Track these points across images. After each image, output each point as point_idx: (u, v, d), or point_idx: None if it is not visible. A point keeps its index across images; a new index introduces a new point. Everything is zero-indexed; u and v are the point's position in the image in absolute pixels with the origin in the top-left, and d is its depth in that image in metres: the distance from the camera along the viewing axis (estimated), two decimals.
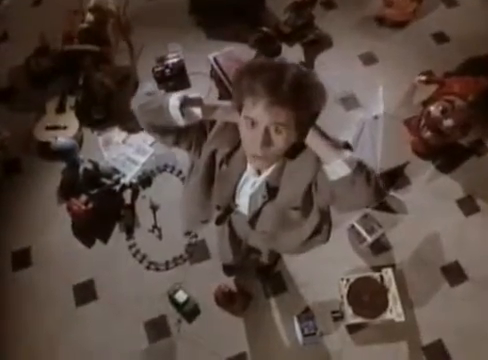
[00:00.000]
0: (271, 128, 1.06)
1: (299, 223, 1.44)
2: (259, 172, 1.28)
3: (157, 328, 2.37)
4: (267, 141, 1.07)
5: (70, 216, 2.63)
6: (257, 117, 1.05)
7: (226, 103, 1.16)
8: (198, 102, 1.16)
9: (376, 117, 2.71)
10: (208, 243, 2.57)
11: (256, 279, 2.47)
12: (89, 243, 2.63)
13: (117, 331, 2.37)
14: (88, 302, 2.47)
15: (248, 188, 1.33)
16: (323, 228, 1.57)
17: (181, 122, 1.16)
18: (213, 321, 2.36)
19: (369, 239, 2.50)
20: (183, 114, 1.14)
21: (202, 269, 2.51)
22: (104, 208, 2.67)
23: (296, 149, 1.20)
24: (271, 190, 1.28)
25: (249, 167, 1.28)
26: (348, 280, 2.39)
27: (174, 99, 1.14)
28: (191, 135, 1.28)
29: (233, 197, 1.40)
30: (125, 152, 2.89)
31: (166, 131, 1.23)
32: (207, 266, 2.52)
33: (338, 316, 2.35)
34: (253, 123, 1.07)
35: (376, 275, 2.39)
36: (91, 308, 2.45)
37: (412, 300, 2.41)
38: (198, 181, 1.42)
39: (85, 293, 2.49)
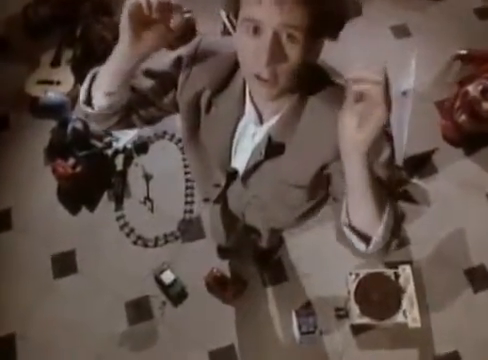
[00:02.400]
0: (282, 34, 0.75)
1: (299, 203, 1.12)
2: (261, 120, 0.96)
3: (139, 309, 2.11)
4: (277, 52, 0.76)
5: (55, 179, 2.36)
6: (263, 18, 0.74)
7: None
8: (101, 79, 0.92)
9: (405, 93, 2.36)
10: (204, 221, 2.28)
11: (253, 265, 2.17)
12: (74, 210, 2.36)
13: (95, 309, 2.12)
14: (67, 274, 2.21)
15: (248, 142, 1.00)
16: (323, 205, 1.27)
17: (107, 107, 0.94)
18: (201, 307, 2.09)
19: None
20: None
21: (194, 249, 2.23)
22: (93, 173, 2.39)
23: (316, 85, 0.90)
24: (274, 148, 0.95)
25: (249, 108, 0.95)
26: (357, 275, 2.08)
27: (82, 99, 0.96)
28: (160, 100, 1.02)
29: (230, 157, 1.06)
30: None
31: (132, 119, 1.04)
32: (200, 246, 2.23)
33: (342, 314, 2.05)
34: (256, 29, 0.76)
35: (390, 272, 2.08)
36: (69, 281, 2.20)
37: (428, 303, 2.09)
38: (186, 141, 1.12)
39: (64, 264, 2.23)
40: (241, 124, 0.98)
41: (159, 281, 2.11)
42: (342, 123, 0.73)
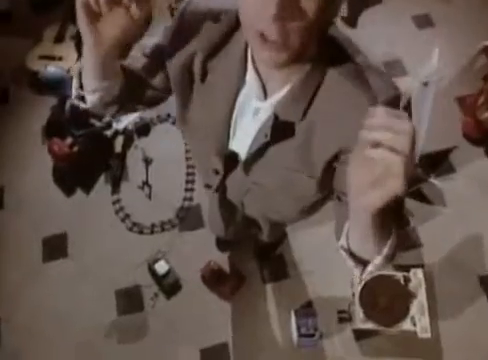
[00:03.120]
0: None
1: (307, 195, 0.95)
2: (265, 93, 0.79)
3: (129, 299, 1.97)
4: (288, 3, 0.59)
5: (51, 158, 2.23)
6: None
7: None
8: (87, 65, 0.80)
9: (426, 84, 2.18)
10: (204, 210, 2.13)
11: (253, 259, 2.02)
12: (69, 192, 2.23)
13: (84, 296, 1.99)
14: (56, 258, 2.08)
15: (249, 121, 0.84)
16: (327, 200, 1.11)
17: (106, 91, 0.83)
18: (195, 301, 1.94)
19: None
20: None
21: (192, 239, 2.08)
22: (90, 154, 2.26)
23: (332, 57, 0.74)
24: (281, 129, 0.79)
25: (250, 77, 0.78)
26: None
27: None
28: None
29: (228, 138, 0.89)
30: None
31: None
32: (199, 236, 2.08)
33: (345, 317, 1.89)
34: None
35: (399, 275, 1.91)
36: (59, 266, 2.07)
37: (438, 311, 1.93)
38: (180, 121, 0.97)
39: (55, 248, 2.11)
40: (240, 98, 0.81)
41: (152, 271, 1.97)
42: (352, 170, 0.58)
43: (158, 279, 1.96)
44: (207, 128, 0.91)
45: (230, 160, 0.94)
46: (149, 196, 2.18)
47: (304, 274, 2.00)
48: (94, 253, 2.07)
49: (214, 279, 1.94)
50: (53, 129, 2.34)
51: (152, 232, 2.10)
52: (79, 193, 2.23)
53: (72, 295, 1.99)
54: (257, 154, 0.86)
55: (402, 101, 0.79)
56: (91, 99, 0.85)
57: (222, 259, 2.01)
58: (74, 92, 0.87)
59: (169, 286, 1.94)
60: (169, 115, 2.39)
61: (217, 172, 1.06)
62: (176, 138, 2.32)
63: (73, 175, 2.25)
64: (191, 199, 2.16)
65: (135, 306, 1.95)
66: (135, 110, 0.99)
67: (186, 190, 2.18)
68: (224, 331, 1.88)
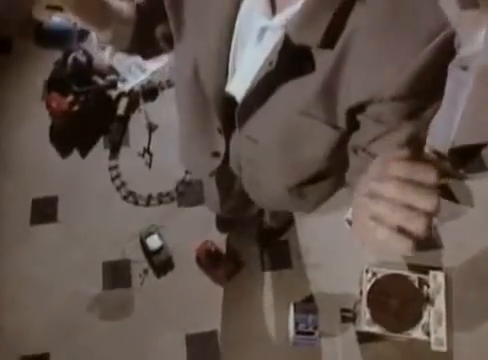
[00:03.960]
0: None
1: (317, 155, 0.74)
2: (274, 7, 0.58)
3: (117, 273, 1.80)
4: None
5: (49, 115, 2.05)
6: None
7: None
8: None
9: (465, 68, 1.92)
10: None
11: (255, 244, 1.83)
12: (64, 153, 2.06)
13: (69, 265, 1.82)
14: (45, 222, 1.92)
15: (252, 46, 0.62)
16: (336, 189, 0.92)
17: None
18: (186, 283, 1.76)
19: None
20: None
21: (190, 215, 1.90)
22: (91, 114, 2.07)
23: None
24: (294, 56, 0.57)
25: None
26: (374, 274, 1.72)
27: None
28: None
29: (226, 71, 0.68)
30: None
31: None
32: (198, 213, 1.89)
33: (349, 317, 1.70)
34: None
35: (414, 276, 1.70)
36: (46, 230, 1.91)
37: (453, 321, 1.71)
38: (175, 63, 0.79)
39: (44, 211, 1.94)
40: (242, 12, 0.60)
41: (144, 245, 1.80)
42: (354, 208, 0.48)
43: (149, 255, 1.78)
44: (202, 58, 0.69)
45: (229, 112, 0.72)
46: (149, 165, 2.00)
47: (309, 266, 1.80)
48: (84, 221, 1.90)
49: (209, 261, 1.75)
50: (55, 85, 2.15)
51: (148, 204, 1.92)
52: (75, 155, 2.05)
53: (57, 263, 1.83)
54: (257, 94, 0.64)
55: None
56: (112, 48, 0.78)
57: (221, 240, 1.82)
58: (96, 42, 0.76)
59: (160, 263, 1.77)
60: None
61: (216, 154, 0.87)
62: None
63: (71, 135, 2.07)
64: None
65: (122, 281, 1.79)
66: (161, 51, 0.82)
67: None
68: (214, 318, 1.70)
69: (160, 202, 1.91)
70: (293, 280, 1.78)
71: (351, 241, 1.80)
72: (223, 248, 1.81)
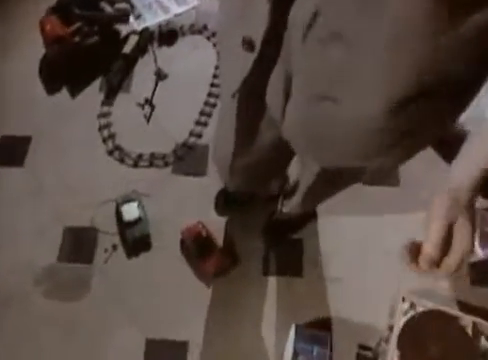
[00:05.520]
0: None
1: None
2: None
3: (78, 243, 1.38)
4: None
5: (42, 38, 1.66)
6: None
7: None
8: None
9: None
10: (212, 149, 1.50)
11: (259, 238, 1.37)
12: (52, 89, 1.66)
13: (23, 222, 1.42)
14: (8, 165, 1.53)
15: None
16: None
17: None
18: (162, 271, 1.33)
19: (479, 253, 1.30)
20: None
21: (185, 187, 1.46)
22: (93, 49, 1.66)
23: None
24: None
25: None
26: (413, 305, 1.23)
27: None
28: None
29: None
30: None
31: None
32: (194, 186, 1.46)
33: (369, 357, 1.23)
34: None
35: (467, 320, 1.21)
36: (8, 175, 1.51)
37: None
38: None
39: (11, 152, 1.55)
40: None
41: (118, 214, 1.37)
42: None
43: (122, 227, 1.36)
44: None
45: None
46: (148, 119, 1.57)
47: (325, 279, 1.33)
48: (55, 171, 1.50)
49: (197, 248, 1.31)
50: (59, 11, 1.76)
51: (136, 165, 1.49)
52: (63, 94, 1.65)
53: (10, 216, 1.43)
54: None
55: None
56: None
57: (216, 226, 1.38)
58: None
59: (134, 240, 1.34)
60: (205, 27, 1.76)
61: (250, 44, 0.52)
62: (206, 57, 1.70)
63: (63, 70, 1.67)
64: (200, 136, 1.53)
65: (82, 255, 1.36)
66: None
67: (197, 123, 1.55)
68: (189, 324, 1.26)
69: (151, 164, 1.48)
70: (301, 294, 1.31)
71: (387, 256, 1.33)
72: (218, 236, 1.36)
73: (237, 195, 1.29)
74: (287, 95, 0.57)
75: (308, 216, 1.34)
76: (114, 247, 1.35)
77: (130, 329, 1.25)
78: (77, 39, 1.66)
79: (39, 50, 1.71)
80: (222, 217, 1.41)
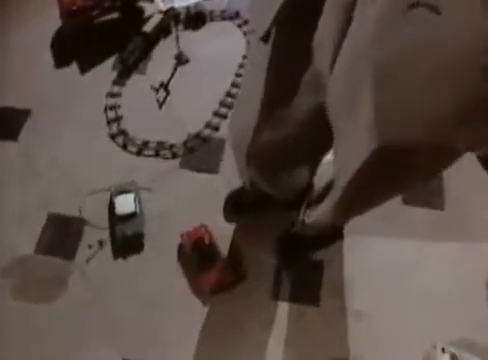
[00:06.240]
0: None
1: None
2: None
3: (61, 235, 1.18)
4: None
5: (59, 9, 1.50)
6: None
7: None
8: None
9: None
10: (227, 151, 1.29)
11: (272, 253, 1.14)
12: (61, 62, 1.50)
13: (8, 200, 1.24)
14: (3, 139, 1.36)
15: None
16: None
17: None
18: (152, 278, 1.10)
19: None
20: None
21: (192, 184, 1.24)
22: (112, 25, 1.50)
23: None
24: None
25: None
26: (453, 358, 0.98)
27: None
28: None
29: None
30: None
31: None
32: (203, 183, 1.24)
33: None
34: None
35: None
36: (0, 148, 1.33)
37: None
38: None
39: (8, 125, 1.39)
40: None
41: (111, 206, 1.16)
42: None
43: (113, 221, 1.14)
44: None
45: None
46: (160, 104, 1.38)
47: (347, 312, 1.08)
48: (50, 150, 1.31)
49: (197, 256, 1.08)
50: None
51: (140, 153, 1.29)
52: (73, 68, 1.48)
53: None
54: None
55: None
56: None
57: (223, 232, 1.15)
58: None
59: (124, 238, 1.12)
60: (237, 14, 1.57)
61: None
62: (234, 45, 1.50)
63: (76, 43, 1.50)
64: (216, 128, 1.32)
65: (63, 248, 1.15)
66: None
67: (215, 114, 1.34)
68: (175, 349, 1.02)
69: (156, 154, 1.28)
70: (316, 327, 1.06)
71: (426, 292, 1.08)
72: (223, 245, 1.13)
73: (251, 198, 1.07)
74: (348, 20, 0.36)
75: (333, 233, 1.11)
76: (101, 244, 1.14)
77: (104, 346, 1.02)
78: (96, 12, 1.50)
79: (56, 23, 1.56)
80: (230, 223, 1.18)
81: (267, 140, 0.63)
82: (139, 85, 1.43)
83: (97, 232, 1.16)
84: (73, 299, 1.10)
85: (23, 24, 1.60)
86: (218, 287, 1.07)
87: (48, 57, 1.51)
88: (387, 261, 1.13)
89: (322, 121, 0.52)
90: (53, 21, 1.55)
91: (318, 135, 0.63)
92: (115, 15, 1.53)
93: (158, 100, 1.38)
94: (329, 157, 0.84)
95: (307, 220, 0.97)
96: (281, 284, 1.11)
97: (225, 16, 1.58)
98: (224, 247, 1.13)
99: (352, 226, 1.09)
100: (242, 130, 0.66)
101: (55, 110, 1.39)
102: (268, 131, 0.61)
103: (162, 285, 1.09)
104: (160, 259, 1.12)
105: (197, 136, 1.30)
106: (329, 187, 0.77)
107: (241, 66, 1.44)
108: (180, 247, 1.13)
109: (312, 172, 0.83)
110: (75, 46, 1.51)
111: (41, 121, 1.37)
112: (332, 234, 1.10)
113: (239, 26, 1.55)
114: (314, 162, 0.79)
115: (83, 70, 1.47)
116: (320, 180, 1.03)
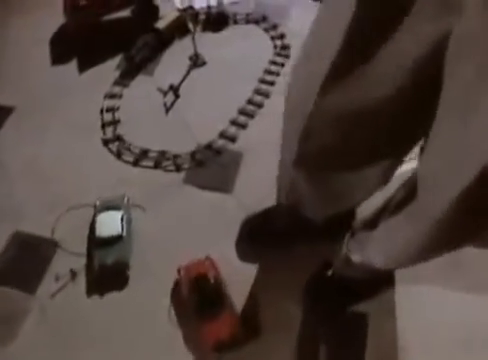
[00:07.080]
0: None
1: None
2: None
3: (24, 260, 0.90)
4: None
5: (63, 5, 1.32)
6: None
7: None
8: None
9: None
10: (245, 160, 1.02)
11: (299, 301, 0.84)
12: (60, 59, 1.29)
13: None
14: None
15: None
16: None
17: None
18: (136, 328, 0.81)
19: None
20: None
21: (198, 204, 0.97)
22: (121, 24, 1.31)
23: None
24: None
25: None
26: None
27: None
28: None
29: None
30: None
31: None
32: (212, 204, 0.97)
33: None
34: None
35: None
36: None
37: None
38: None
39: None
40: None
41: (92, 225, 0.90)
42: None
43: (92, 245, 0.87)
44: None
45: None
46: (166, 109, 1.14)
47: None
48: (27, 154, 1.07)
49: (199, 300, 0.80)
50: None
51: (136, 163, 1.04)
52: (71, 66, 1.27)
53: None
54: None
55: None
56: None
57: (234, 269, 0.86)
58: None
59: (103, 269, 0.84)
60: (265, 18, 1.37)
61: None
62: (258, 48, 1.29)
63: (79, 40, 1.30)
64: (233, 139, 1.07)
65: (25, 278, 0.88)
66: None
67: (233, 123, 1.10)
68: None
69: (157, 166, 1.02)
70: None
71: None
72: (233, 285, 0.84)
73: (277, 226, 0.80)
74: None
75: (382, 279, 0.81)
76: (73, 274, 0.86)
77: None
78: (103, 10, 1.32)
79: (59, 19, 1.37)
80: (245, 261, 0.90)
81: (335, 108, 0.39)
82: (144, 87, 1.20)
83: (70, 259, 0.89)
84: (28, 344, 0.81)
85: (24, 18, 1.43)
86: (223, 342, 0.77)
87: (46, 53, 1.31)
88: (452, 319, 0.83)
89: (419, 97, 0.30)
90: (57, 17, 1.37)
91: (408, 116, 0.39)
92: (125, 13, 1.35)
93: (165, 104, 1.15)
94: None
95: (354, 257, 0.69)
96: (309, 343, 0.81)
97: (250, 19, 1.38)
98: (234, 289, 0.84)
99: (405, 272, 0.81)
100: (305, 90, 0.43)
101: (43, 109, 1.16)
102: (339, 94, 0.37)
103: (147, 335, 0.80)
104: (148, 300, 0.83)
105: (208, 147, 1.05)
106: (389, 208, 0.50)
107: (266, 72, 1.22)
108: (176, 285, 0.84)
109: (384, 178, 0.55)
110: (77, 44, 1.31)
111: (25, 120, 1.14)
112: (380, 280, 0.81)
113: (266, 30, 1.35)
114: (391, 161, 0.52)
115: (82, 69, 1.26)
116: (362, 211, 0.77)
